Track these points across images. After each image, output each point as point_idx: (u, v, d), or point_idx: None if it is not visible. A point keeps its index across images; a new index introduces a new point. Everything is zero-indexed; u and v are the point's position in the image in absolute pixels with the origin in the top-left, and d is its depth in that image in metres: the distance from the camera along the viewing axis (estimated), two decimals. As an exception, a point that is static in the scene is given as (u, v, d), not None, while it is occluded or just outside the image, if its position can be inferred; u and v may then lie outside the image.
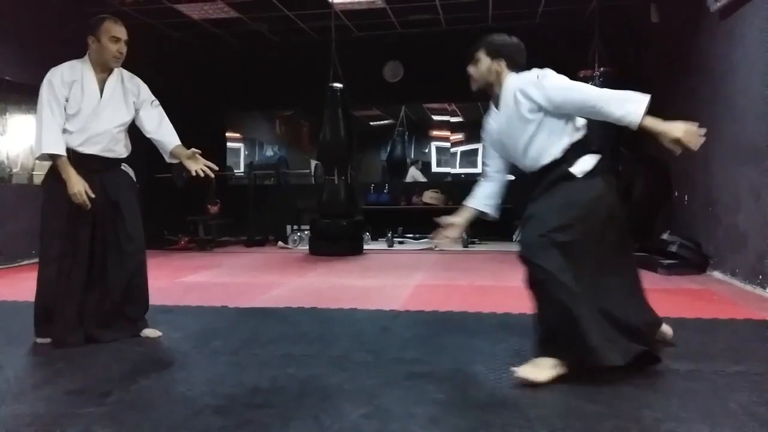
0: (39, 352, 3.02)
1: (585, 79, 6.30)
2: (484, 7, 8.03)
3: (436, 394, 2.33)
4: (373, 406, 2.21)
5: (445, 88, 9.43)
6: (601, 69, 6.25)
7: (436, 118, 11.99)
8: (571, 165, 2.64)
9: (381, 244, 8.60)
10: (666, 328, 2.93)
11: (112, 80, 3.21)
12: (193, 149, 3.14)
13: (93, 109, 3.13)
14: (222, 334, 3.34)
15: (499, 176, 3.04)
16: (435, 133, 12.18)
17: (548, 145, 2.70)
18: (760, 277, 4.50)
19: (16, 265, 6.49)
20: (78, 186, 3.00)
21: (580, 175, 2.62)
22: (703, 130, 2.54)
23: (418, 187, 9.84)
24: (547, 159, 2.70)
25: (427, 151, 12.34)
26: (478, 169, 12.09)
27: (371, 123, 11.48)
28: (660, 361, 2.57)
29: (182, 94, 7.85)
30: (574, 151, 2.70)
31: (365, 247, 7.99)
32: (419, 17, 8.52)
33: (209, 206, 8.78)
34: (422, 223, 9.20)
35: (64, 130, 3.09)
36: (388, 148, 10.79)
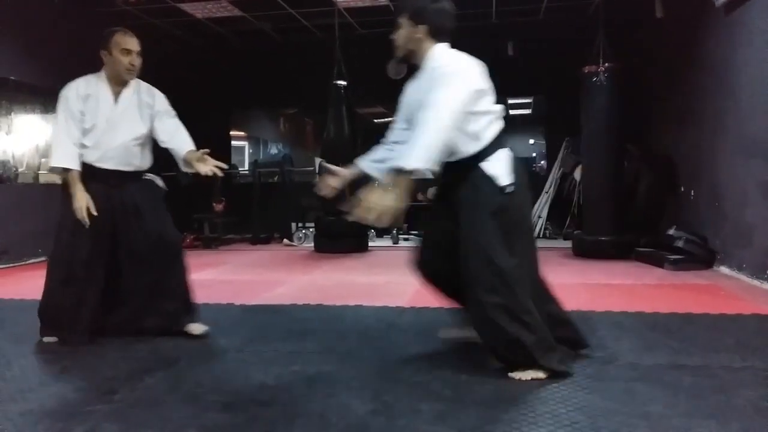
0: (46, 350, 3.03)
1: (590, 75, 6.28)
2: (488, 3, 8.00)
3: (443, 391, 2.33)
4: (380, 402, 2.21)
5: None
6: (606, 64, 6.22)
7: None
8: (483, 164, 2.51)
9: (386, 241, 8.59)
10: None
11: (128, 93, 3.20)
12: (201, 150, 3.11)
13: (107, 123, 3.13)
14: (228, 331, 3.35)
15: (399, 147, 2.70)
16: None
17: (463, 139, 2.50)
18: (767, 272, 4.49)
19: (22, 264, 6.52)
20: (80, 202, 3.01)
21: (499, 182, 2.48)
22: (386, 221, 2.30)
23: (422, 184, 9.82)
24: (454, 156, 2.53)
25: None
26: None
27: (375, 120, 11.47)
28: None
29: (186, 93, 7.85)
30: (487, 150, 2.52)
31: (370, 244, 7.98)
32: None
33: (214, 204, 8.79)
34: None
35: (82, 145, 3.12)
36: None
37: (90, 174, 3.10)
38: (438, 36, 2.58)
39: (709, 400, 2.19)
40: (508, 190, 2.47)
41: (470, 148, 2.51)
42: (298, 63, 9.47)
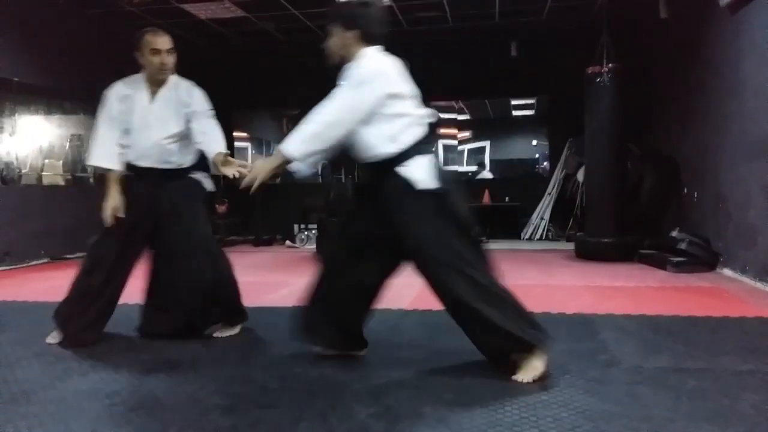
0: (48, 352, 3.03)
1: (593, 76, 6.27)
2: (491, 3, 7.99)
3: (445, 394, 2.32)
4: (382, 405, 2.21)
5: (452, 86, 9.42)
6: (610, 65, 6.20)
7: (442, 115, 11.97)
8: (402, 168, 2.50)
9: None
10: None
11: (164, 92, 3.22)
12: (223, 152, 3.07)
13: (142, 122, 3.17)
14: (230, 333, 3.34)
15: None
16: (442, 130, 12.16)
17: (377, 140, 2.52)
18: (771, 274, 4.47)
19: (25, 265, 6.53)
20: (111, 202, 3.10)
21: (417, 186, 2.48)
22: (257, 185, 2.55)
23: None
24: (372, 157, 2.56)
25: (434, 149, 12.33)
26: (486, 167, 12.08)
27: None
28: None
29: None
30: (406, 154, 2.51)
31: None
32: (426, 15, 8.50)
33: (217, 206, 8.80)
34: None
35: (122, 145, 3.17)
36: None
37: (131, 172, 3.19)
38: (369, 40, 2.61)
39: (713, 403, 2.18)
40: (426, 190, 2.47)
41: (386, 150, 2.51)
42: (301, 63, 9.47)
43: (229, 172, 2.97)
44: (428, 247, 2.48)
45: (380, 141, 2.51)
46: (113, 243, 3.16)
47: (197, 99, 3.25)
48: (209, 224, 3.40)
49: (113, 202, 3.10)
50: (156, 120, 3.17)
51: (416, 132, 2.55)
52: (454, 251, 2.46)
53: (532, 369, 2.45)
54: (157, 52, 3.14)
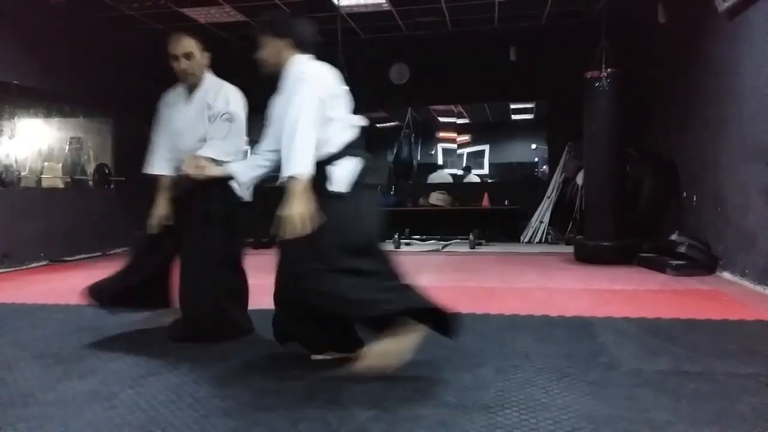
0: (47, 354, 3.02)
1: (592, 80, 6.28)
2: (490, 8, 8.01)
3: (444, 397, 2.32)
4: (381, 408, 2.21)
5: (452, 90, 9.44)
6: (609, 70, 6.21)
7: (442, 119, 11.99)
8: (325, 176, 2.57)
9: (388, 246, 8.58)
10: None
11: (196, 96, 3.26)
12: (199, 155, 3.11)
13: (177, 127, 3.22)
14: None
15: (271, 155, 2.84)
16: (441, 134, 12.17)
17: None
18: (770, 277, 4.48)
19: (24, 268, 6.52)
20: (158, 210, 3.19)
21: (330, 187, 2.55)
22: (308, 228, 2.42)
23: (424, 189, 9.82)
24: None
25: (433, 152, 12.35)
26: (485, 170, 12.11)
27: (377, 125, 11.49)
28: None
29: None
30: (336, 156, 2.60)
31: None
32: (425, 19, 8.52)
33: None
34: (429, 225, 9.22)
35: (171, 151, 3.25)
36: (395, 150, 10.80)
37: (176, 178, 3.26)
38: (301, 48, 2.71)
39: (712, 406, 2.18)
40: (335, 193, 2.54)
41: (320, 152, 2.55)
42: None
43: (189, 168, 3.04)
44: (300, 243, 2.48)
45: (316, 143, 2.54)
46: (154, 245, 3.24)
47: (219, 100, 3.26)
48: (219, 236, 3.25)
49: (159, 210, 3.16)
50: (187, 125, 3.21)
51: (347, 135, 2.65)
52: (327, 253, 2.46)
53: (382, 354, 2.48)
54: (175, 57, 3.17)
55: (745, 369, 2.61)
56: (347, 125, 2.68)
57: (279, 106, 2.70)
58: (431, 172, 11.23)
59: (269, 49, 2.74)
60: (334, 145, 2.60)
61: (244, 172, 2.96)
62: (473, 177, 11.04)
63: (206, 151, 3.13)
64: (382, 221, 2.76)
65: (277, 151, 2.64)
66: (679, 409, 2.16)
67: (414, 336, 2.49)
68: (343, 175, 2.57)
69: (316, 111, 2.51)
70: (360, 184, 2.60)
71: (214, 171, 3.03)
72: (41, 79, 6.92)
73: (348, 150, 2.63)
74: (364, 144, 2.74)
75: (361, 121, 2.73)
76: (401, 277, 2.64)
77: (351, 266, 2.47)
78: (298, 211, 2.40)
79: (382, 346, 2.49)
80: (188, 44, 3.19)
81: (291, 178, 2.43)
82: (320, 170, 2.55)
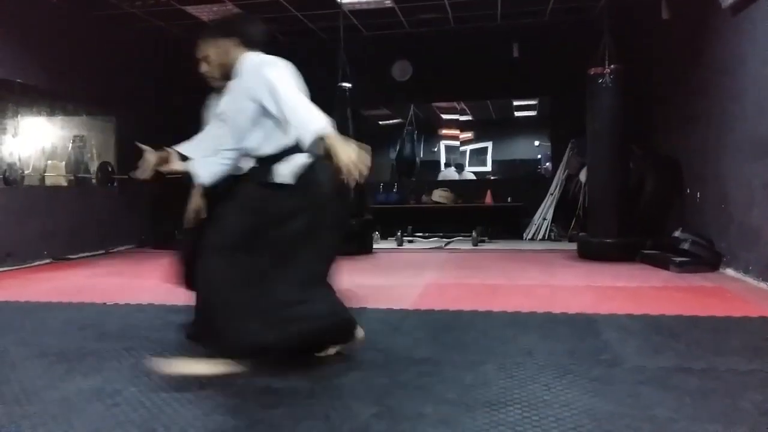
0: (50, 353, 3.03)
1: (595, 77, 6.27)
2: (493, 5, 8.00)
3: (447, 394, 2.32)
4: (384, 406, 2.21)
5: (454, 87, 9.43)
6: (612, 66, 6.20)
7: (445, 116, 11.98)
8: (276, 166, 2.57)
9: (390, 243, 8.59)
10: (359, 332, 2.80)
11: (222, 99, 3.27)
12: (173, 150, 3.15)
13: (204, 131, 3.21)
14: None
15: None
16: (444, 131, 12.16)
17: (264, 137, 2.58)
18: (774, 274, 4.46)
19: (27, 266, 6.54)
20: (191, 206, 3.13)
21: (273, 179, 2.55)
22: (368, 161, 2.36)
23: (426, 186, 9.81)
24: (264, 150, 2.60)
25: (436, 149, 12.34)
26: (488, 167, 12.10)
27: (380, 122, 11.49)
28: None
29: (190, 95, 7.89)
30: (291, 152, 2.57)
31: (375, 246, 7.98)
32: (428, 16, 8.51)
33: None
34: (432, 222, 9.22)
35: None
36: (397, 148, 10.79)
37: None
38: (249, 46, 2.69)
39: (715, 403, 2.18)
40: (278, 183, 2.53)
41: (277, 144, 2.56)
42: (303, 65, 9.46)
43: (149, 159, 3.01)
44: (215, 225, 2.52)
45: (273, 136, 2.56)
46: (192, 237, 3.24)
47: (222, 101, 3.27)
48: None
49: (193, 205, 3.12)
50: (209, 127, 3.21)
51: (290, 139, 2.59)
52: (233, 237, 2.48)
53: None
54: (198, 62, 3.15)
55: (748, 366, 2.61)
56: None
57: (233, 102, 2.64)
58: (437, 171, 11.24)
59: (218, 49, 2.71)
60: (290, 140, 2.56)
61: (203, 170, 2.92)
62: (466, 174, 11.01)
63: (180, 147, 3.16)
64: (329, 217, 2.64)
65: (237, 150, 2.64)
66: (682, 406, 2.15)
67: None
68: (289, 169, 2.54)
69: (294, 80, 2.52)
70: (309, 179, 2.54)
71: (177, 166, 2.99)
72: (44, 77, 6.93)
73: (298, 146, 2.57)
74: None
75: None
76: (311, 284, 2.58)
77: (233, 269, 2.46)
78: (349, 153, 2.32)
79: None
80: (201, 47, 3.18)
81: (320, 138, 2.37)
82: (267, 165, 2.56)
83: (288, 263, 2.52)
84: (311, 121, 2.38)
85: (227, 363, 2.46)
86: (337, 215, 2.67)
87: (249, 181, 2.61)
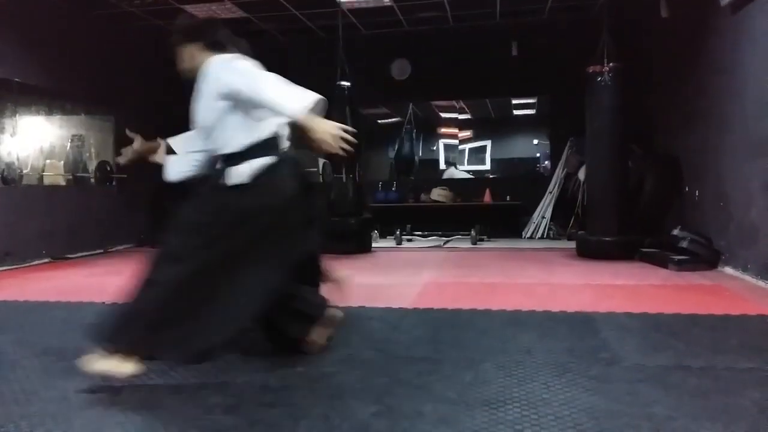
0: (49, 352, 3.03)
1: (594, 75, 6.27)
2: (492, 3, 7.99)
3: (446, 393, 2.32)
4: (383, 404, 2.21)
5: (453, 85, 9.43)
6: (611, 64, 6.19)
7: (444, 115, 11.96)
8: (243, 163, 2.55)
9: (389, 242, 8.59)
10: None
11: None
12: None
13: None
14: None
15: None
16: (443, 130, 12.15)
17: (229, 136, 2.58)
18: (773, 272, 4.47)
19: (26, 265, 6.53)
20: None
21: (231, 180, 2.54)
22: (344, 134, 2.43)
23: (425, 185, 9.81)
24: (227, 149, 2.59)
25: (435, 148, 12.33)
26: (487, 166, 12.09)
27: (379, 121, 11.47)
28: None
29: (190, 94, 7.87)
30: (253, 151, 2.57)
31: (374, 245, 7.98)
32: (426, 15, 8.50)
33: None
34: (431, 221, 9.22)
35: None
36: (396, 146, 10.78)
37: None
38: (215, 49, 2.72)
39: (714, 401, 2.18)
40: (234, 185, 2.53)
41: (242, 141, 2.55)
42: (302, 64, 9.48)
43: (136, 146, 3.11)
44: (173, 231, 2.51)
45: (238, 134, 2.56)
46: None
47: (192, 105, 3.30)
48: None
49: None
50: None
51: (267, 129, 2.61)
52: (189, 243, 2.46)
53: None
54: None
55: (747, 364, 2.61)
56: (270, 118, 2.62)
57: (200, 104, 2.64)
58: (436, 169, 11.21)
59: (184, 54, 2.75)
60: (257, 137, 2.57)
61: (172, 167, 2.95)
62: (461, 173, 10.98)
63: (172, 140, 3.17)
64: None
65: (205, 152, 2.69)
66: (681, 404, 2.16)
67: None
68: (248, 170, 2.52)
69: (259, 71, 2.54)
70: (267, 180, 2.54)
71: (158, 158, 3.06)
72: (42, 76, 6.92)
73: (266, 144, 2.59)
74: (293, 141, 2.71)
75: (284, 119, 2.64)
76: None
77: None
78: (325, 128, 2.38)
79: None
80: (174, 52, 3.15)
81: (301, 119, 2.40)
82: (226, 167, 2.55)
83: (240, 267, 2.50)
84: (286, 104, 2.41)
85: (138, 362, 2.43)
86: (300, 215, 2.66)
87: (208, 184, 2.62)
